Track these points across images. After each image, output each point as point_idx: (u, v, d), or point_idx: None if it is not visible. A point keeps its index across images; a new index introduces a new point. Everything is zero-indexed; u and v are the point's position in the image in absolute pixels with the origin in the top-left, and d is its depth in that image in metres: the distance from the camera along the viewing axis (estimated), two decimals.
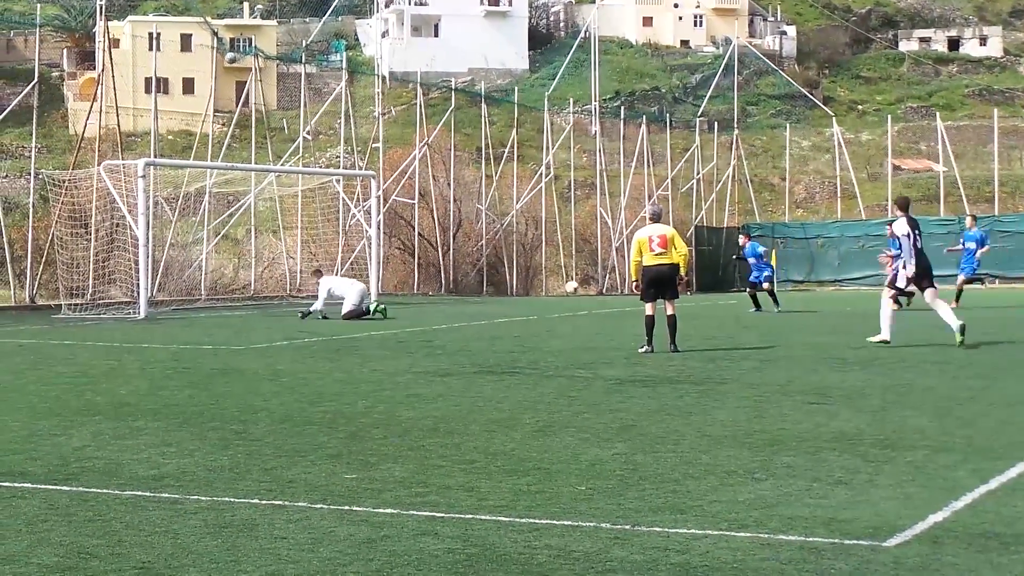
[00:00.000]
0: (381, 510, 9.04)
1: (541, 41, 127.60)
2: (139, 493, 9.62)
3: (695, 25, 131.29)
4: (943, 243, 56.21)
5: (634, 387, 16.66)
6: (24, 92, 41.60)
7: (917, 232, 23.19)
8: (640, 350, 21.63)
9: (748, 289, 36.43)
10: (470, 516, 8.86)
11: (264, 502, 9.29)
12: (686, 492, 9.71)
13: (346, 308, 32.19)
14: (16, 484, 10.00)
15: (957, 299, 34.72)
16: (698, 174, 68.74)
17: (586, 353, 21.98)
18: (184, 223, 46.61)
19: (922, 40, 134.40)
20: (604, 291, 60.26)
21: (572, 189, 64.55)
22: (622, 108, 77.08)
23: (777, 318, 32.62)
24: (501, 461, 10.99)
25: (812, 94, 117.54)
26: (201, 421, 13.40)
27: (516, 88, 77.64)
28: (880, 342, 22.92)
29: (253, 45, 77.92)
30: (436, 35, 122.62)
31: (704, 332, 27.17)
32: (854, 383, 17.06)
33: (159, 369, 19.07)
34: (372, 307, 32.70)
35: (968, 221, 38.08)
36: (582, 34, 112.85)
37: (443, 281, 53.22)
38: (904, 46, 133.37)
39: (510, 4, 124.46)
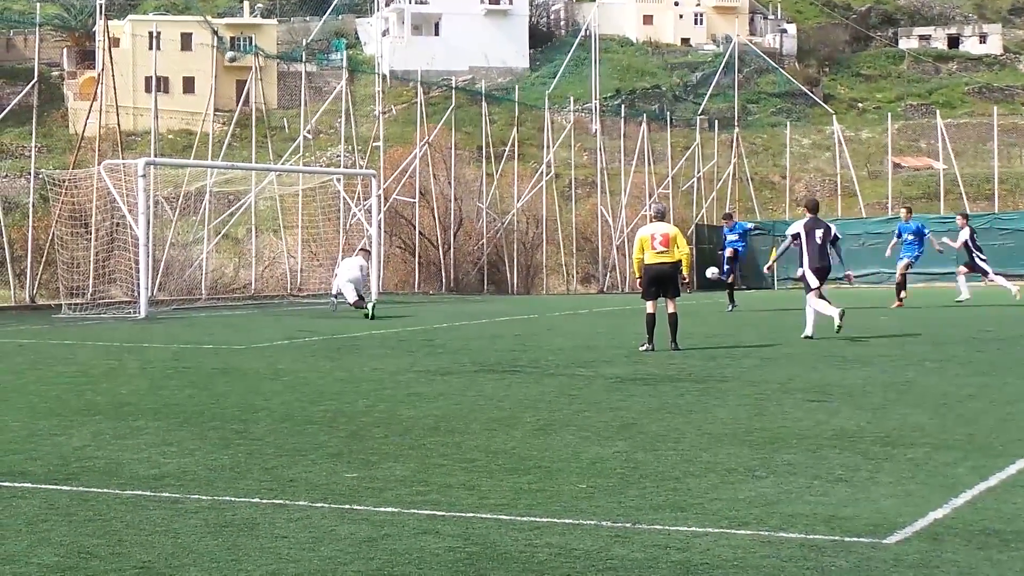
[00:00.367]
0: (382, 509, 9.05)
1: (541, 39, 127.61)
2: (139, 493, 9.62)
3: (695, 23, 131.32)
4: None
5: (635, 385, 16.67)
6: (24, 91, 41.61)
7: (822, 232, 24.14)
8: (641, 348, 21.63)
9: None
10: (471, 515, 8.86)
11: (265, 501, 9.30)
12: (687, 490, 9.72)
13: (352, 299, 32.57)
14: (16, 484, 10.00)
15: (899, 293, 34.30)
16: (699, 172, 68.76)
17: (587, 351, 21.98)
18: (184, 222, 46.62)
19: (922, 38, 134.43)
20: (605, 289, 60.26)
21: (573, 187, 64.55)
22: (622, 106, 77.08)
23: (777, 316, 32.59)
24: (502, 459, 11.00)
25: (812, 92, 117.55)
26: (202, 420, 13.41)
27: (517, 86, 77.66)
28: (805, 337, 24.06)
29: (253, 44, 77.95)
30: (436, 33, 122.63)
31: (705, 330, 27.16)
32: (854, 381, 17.06)
33: (159, 369, 19.08)
34: (370, 308, 32.73)
35: (903, 213, 37.55)
36: (582, 32, 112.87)
37: (444, 280, 53.23)
38: (904, 44, 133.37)
39: (510, 2, 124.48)
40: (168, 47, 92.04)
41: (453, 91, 58.50)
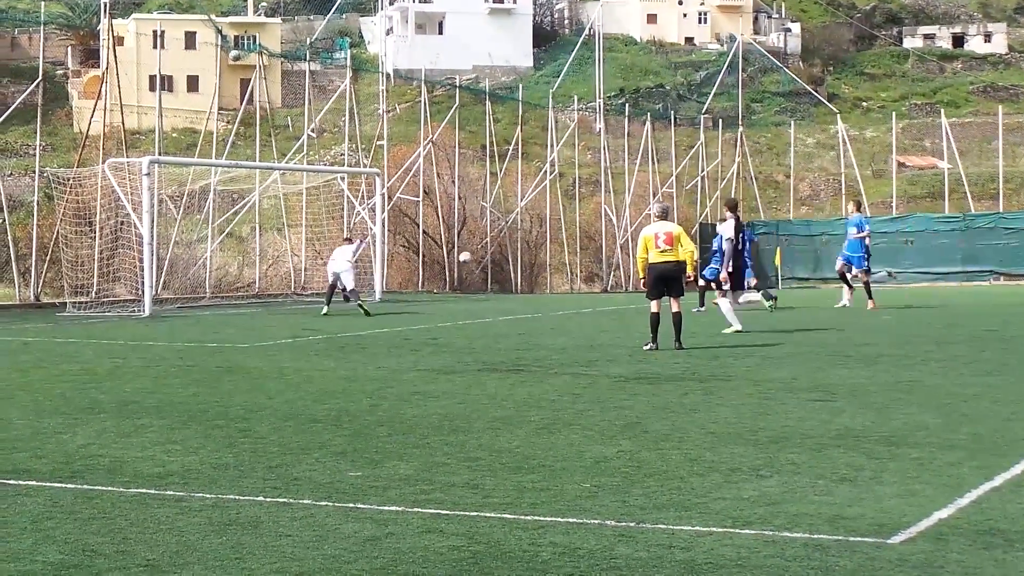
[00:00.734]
0: (386, 507, 9.05)
1: (545, 38, 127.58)
2: (144, 491, 9.63)
3: (699, 22, 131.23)
4: (948, 240, 56.40)
5: (638, 384, 16.66)
6: (28, 90, 41.60)
7: (742, 235, 25.23)
8: (645, 347, 21.63)
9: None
10: (475, 513, 8.86)
11: (269, 500, 9.30)
12: (690, 489, 9.71)
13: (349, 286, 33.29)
14: (21, 482, 10.01)
15: (870, 296, 33.79)
16: (703, 171, 68.75)
17: (591, 351, 21.98)
18: (188, 221, 46.64)
19: (926, 37, 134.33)
20: (608, 288, 60.24)
21: (576, 186, 64.54)
22: (626, 105, 77.09)
23: (780, 315, 32.56)
24: (506, 459, 11.00)
25: (816, 91, 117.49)
26: (206, 419, 13.41)
27: (520, 85, 77.64)
28: (733, 331, 25.00)
29: (257, 43, 77.96)
30: (440, 32, 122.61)
31: (709, 329, 27.16)
32: (858, 380, 17.06)
33: (164, 367, 19.09)
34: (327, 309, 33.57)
35: (851, 207, 36.89)
36: (586, 31, 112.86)
37: (447, 279, 53.23)
38: (908, 43, 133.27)
39: (514, 1, 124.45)
40: (172, 46, 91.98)
41: (457, 90, 58.52)
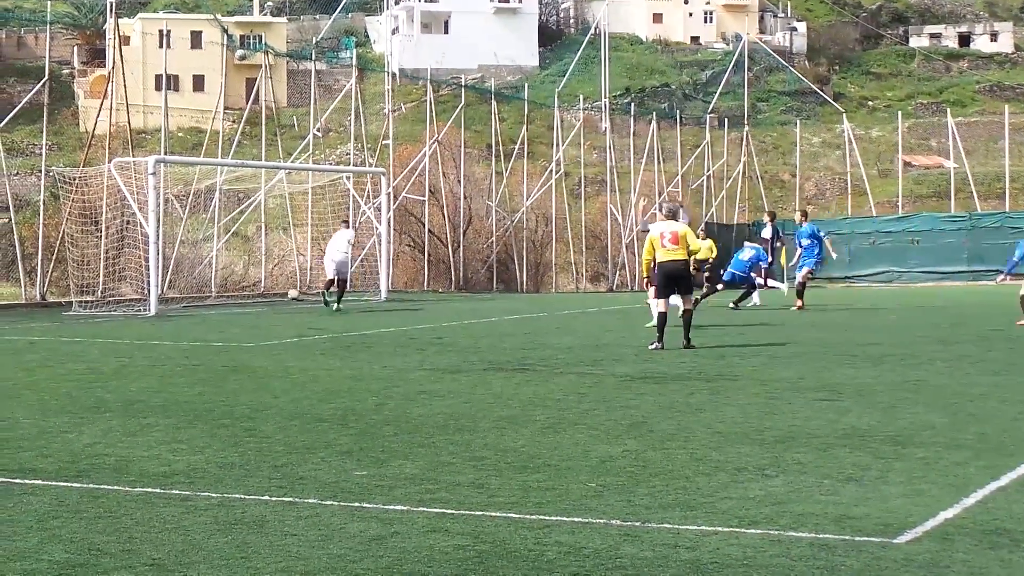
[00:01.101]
0: (391, 507, 9.05)
1: (551, 38, 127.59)
2: (149, 490, 9.63)
3: (705, 21, 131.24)
4: (954, 239, 56.33)
5: (644, 384, 16.66)
6: (35, 89, 41.65)
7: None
8: (651, 347, 21.62)
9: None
10: (480, 513, 8.86)
11: (274, 499, 9.30)
12: (696, 489, 9.71)
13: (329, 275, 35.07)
14: (27, 481, 10.02)
15: (800, 297, 33.77)
16: (708, 171, 68.72)
17: (596, 350, 21.98)
18: (194, 220, 46.67)
19: (933, 36, 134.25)
20: (614, 288, 60.22)
21: (582, 186, 64.53)
22: (632, 105, 77.07)
23: (787, 314, 32.55)
24: (511, 458, 10.99)
25: (822, 90, 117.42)
26: (211, 418, 13.41)
27: (526, 85, 77.63)
28: (651, 326, 24.90)
29: (263, 42, 78.06)
30: (446, 32, 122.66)
31: (715, 328, 27.15)
32: (865, 379, 17.05)
33: (169, 366, 19.10)
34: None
35: (798, 217, 36.68)
36: (592, 30, 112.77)
37: (453, 278, 53.24)
38: (915, 42, 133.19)
39: (520, 1, 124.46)
40: (178, 45, 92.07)
41: (463, 89, 58.51)
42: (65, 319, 31.32)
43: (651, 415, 13.66)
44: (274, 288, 46.57)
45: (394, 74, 74.06)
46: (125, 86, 40.89)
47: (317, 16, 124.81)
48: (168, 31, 60.89)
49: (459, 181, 55.03)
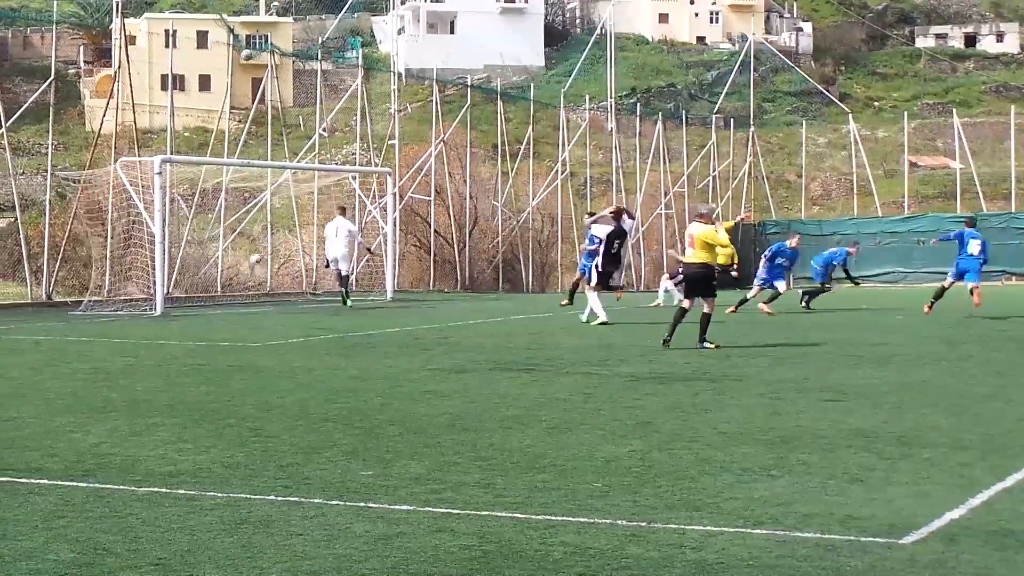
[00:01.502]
0: (397, 507, 9.06)
1: (557, 38, 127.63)
2: (155, 489, 9.65)
3: (711, 22, 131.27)
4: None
5: (650, 384, 16.66)
6: (40, 89, 41.58)
7: (619, 241, 27.13)
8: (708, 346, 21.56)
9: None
10: (486, 513, 8.87)
11: (280, 499, 9.31)
12: (701, 489, 9.72)
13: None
14: (33, 480, 10.03)
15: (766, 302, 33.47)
16: (714, 171, 68.70)
17: (602, 350, 21.98)
18: (200, 220, 46.67)
19: (939, 36, 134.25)
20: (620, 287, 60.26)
21: (588, 186, 64.55)
22: (638, 105, 77.06)
23: (791, 316, 32.53)
24: (517, 458, 11.01)
25: (828, 91, 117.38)
26: (217, 418, 13.42)
27: (532, 85, 77.64)
28: (600, 323, 27.39)
29: (269, 42, 78.01)
30: (452, 32, 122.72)
31: (721, 328, 27.15)
32: (870, 380, 17.05)
33: (175, 366, 19.11)
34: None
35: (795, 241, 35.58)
36: (598, 31, 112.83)
37: (459, 278, 53.23)
38: (921, 42, 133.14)
39: (526, 1, 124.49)
40: (184, 45, 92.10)
41: (468, 89, 58.51)
42: (71, 319, 31.33)
43: (656, 415, 13.66)
44: (280, 288, 46.56)
45: (400, 74, 74.12)
46: (131, 86, 40.89)
47: (323, 16, 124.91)
48: (174, 31, 60.90)
49: (465, 181, 55.02)
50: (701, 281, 21.84)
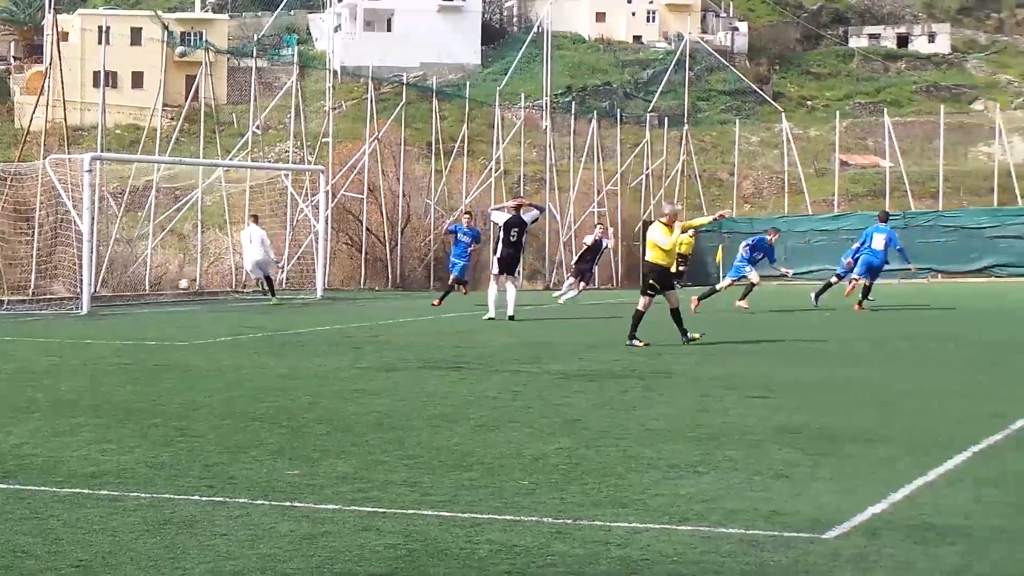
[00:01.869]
0: (323, 506, 9.02)
1: (494, 36, 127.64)
2: (77, 490, 9.55)
3: (648, 21, 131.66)
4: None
5: (579, 382, 16.67)
6: None
7: (516, 229, 27.99)
8: (634, 343, 21.59)
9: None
10: (412, 511, 8.85)
11: (204, 499, 9.25)
12: (628, 486, 9.74)
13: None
14: None
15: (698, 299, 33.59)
16: (647, 169, 68.87)
17: (532, 348, 21.97)
18: (130, 218, 46.32)
19: (872, 37, 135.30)
20: (552, 286, 60.23)
21: (522, 184, 64.54)
22: (573, 103, 77.17)
23: (721, 313, 32.65)
24: (444, 456, 10.98)
25: (762, 90, 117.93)
26: (142, 417, 13.30)
27: (468, 83, 77.56)
28: (487, 319, 28.05)
29: (204, 39, 77.64)
30: (389, 29, 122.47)
31: (650, 326, 27.22)
32: (797, 377, 17.15)
33: (101, 365, 18.93)
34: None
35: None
36: (535, 29, 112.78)
37: (390, 276, 53.10)
38: (854, 43, 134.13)
39: None
40: (117, 42, 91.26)
41: (404, 87, 58.44)
42: None
43: (585, 413, 13.67)
44: (209, 286, 46.27)
45: (335, 72, 73.82)
46: (63, 82, 40.54)
47: (259, 13, 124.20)
48: (107, 27, 60.33)
49: (398, 179, 54.89)
50: (658, 280, 21.90)
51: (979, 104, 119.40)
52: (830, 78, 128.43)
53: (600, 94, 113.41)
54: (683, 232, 22.29)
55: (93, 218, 34.35)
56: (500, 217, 28.90)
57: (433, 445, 11.57)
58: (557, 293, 38.99)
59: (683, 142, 72.77)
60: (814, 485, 9.80)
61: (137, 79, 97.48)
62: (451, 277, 35.43)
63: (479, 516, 8.70)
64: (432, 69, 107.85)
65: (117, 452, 11.17)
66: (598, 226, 40.32)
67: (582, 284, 37.24)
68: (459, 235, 34.93)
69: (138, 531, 8.22)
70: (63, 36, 48.50)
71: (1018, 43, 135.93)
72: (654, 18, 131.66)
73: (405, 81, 61.08)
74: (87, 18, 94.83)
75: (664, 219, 22.08)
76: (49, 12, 43.24)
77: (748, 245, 34.13)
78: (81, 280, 33.38)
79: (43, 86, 41.50)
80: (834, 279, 34.02)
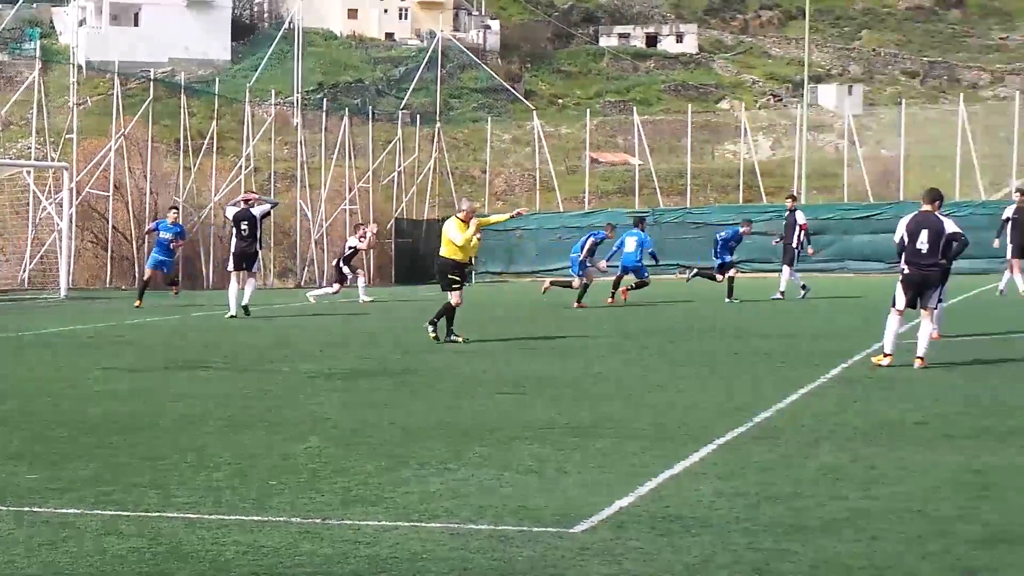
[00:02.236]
0: (64, 510, 8.80)
1: (244, 32, 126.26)
2: None
3: (400, 18, 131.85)
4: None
5: (330, 381, 16.57)
6: None
7: (246, 223, 28.38)
8: (452, 339, 21.64)
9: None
10: (156, 514, 8.69)
11: None
12: (378, 485, 9.70)
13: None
14: None
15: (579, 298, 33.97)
16: (400, 167, 68.86)
17: (282, 347, 21.78)
18: None
19: (622, 36, 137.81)
20: (303, 284, 59.84)
21: (272, 181, 63.89)
22: (325, 100, 76.74)
23: (474, 309, 32.84)
24: (191, 458, 10.80)
25: (514, 88, 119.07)
26: None
27: (217, 79, 76.56)
28: (229, 316, 28.35)
29: None
30: (136, 24, 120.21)
31: (402, 324, 27.25)
32: (548, 372, 17.29)
33: None
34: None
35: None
36: (286, 25, 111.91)
37: (136, 275, 52.08)
38: (604, 42, 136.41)
39: None
40: None
41: (151, 83, 57.34)
42: None
43: (335, 412, 13.58)
44: None
45: (80, 66, 72.06)
46: None
47: (0, 6, 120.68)
48: None
49: (145, 176, 53.87)
50: (457, 274, 21.94)
51: (725, 103, 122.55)
52: (581, 76, 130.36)
53: (352, 91, 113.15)
54: (480, 228, 22.30)
55: None
56: (231, 212, 29.26)
57: (179, 446, 11.37)
58: (313, 292, 38.74)
59: (435, 139, 73.00)
60: (563, 480, 9.89)
61: None
62: (147, 273, 34.84)
63: (226, 518, 8.58)
64: (180, 65, 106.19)
65: None
66: (361, 226, 40.11)
67: (337, 285, 37.03)
68: (160, 232, 34.28)
69: None
70: None
71: (762, 44, 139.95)
72: (407, 15, 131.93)
73: (153, 77, 59.75)
74: None
75: (461, 215, 22.17)
76: None
77: (722, 238, 34.33)
78: None
79: None
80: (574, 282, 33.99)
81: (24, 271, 38.60)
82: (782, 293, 34.85)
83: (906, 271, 17.24)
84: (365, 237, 37.51)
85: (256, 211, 28.68)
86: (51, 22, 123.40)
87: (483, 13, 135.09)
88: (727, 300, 33.23)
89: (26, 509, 8.83)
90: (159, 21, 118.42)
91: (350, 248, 37.41)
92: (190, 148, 56.34)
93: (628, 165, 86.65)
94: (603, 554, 7.68)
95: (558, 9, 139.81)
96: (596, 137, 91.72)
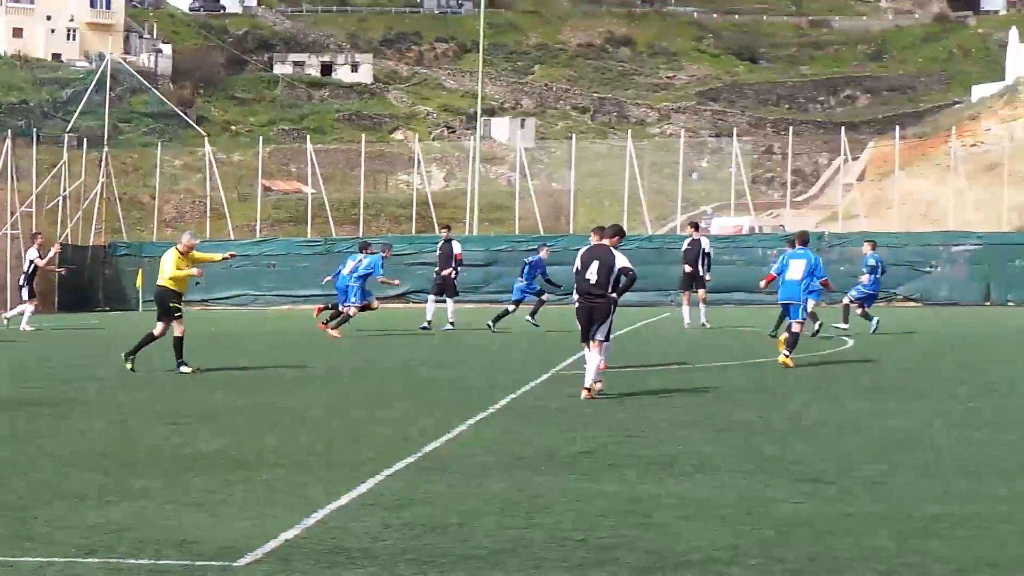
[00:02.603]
0: None
1: None
2: None
3: (68, 39, 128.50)
4: (309, 263, 57.32)
5: None
6: None
7: None
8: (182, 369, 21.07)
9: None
10: None
11: None
12: (33, 520, 9.38)
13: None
14: None
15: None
16: (65, 191, 66.97)
17: None
18: None
19: (296, 64, 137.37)
20: None
21: None
22: None
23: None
24: None
25: (186, 113, 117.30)
26: None
27: None
28: None
29: None
30: None
31: (64, 353, 26.47)
32: (214, 403, 17.00)
33: None
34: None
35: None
36: None
37: None
38: (279, 69, 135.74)
39: None
40: None
41: None
42: None
43: None
44: None
45: None
46: None
47: None
48: None
49: None
50: (167, 303, 21.53)
51: (399, 134, 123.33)
52: (255, 103, 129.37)
53: (16, 112, 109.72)
54: (194, 264, 22.12)
55: None
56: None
57: None
58: (7, 314, 37.64)
59: (103, 163, 71.27)
60: (228, 513, 9.72)
61: None
62: None
63: None
64: None
65: None
66: (38, 235, 39.17)
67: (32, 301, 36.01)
68: None
69: None
70: None
71: (437, 76, 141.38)
72: (75, 36, 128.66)
73: None
74: None
75: (181, 247, 22.06)
76: None
77: (529, 264, 33.50)
78: None
79: None
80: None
81: None
82: (450, 323, 34.61)
83: (577, 302, 17.55)
84: (45, 249, 36.81)
85: None
86: None
87: (155, 36, 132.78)
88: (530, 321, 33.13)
89: None
90: None
91: (30, 263, 36.51)
92: None
93: (301, 194, 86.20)
94: None
95: (232, 35, 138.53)
96: (269, 165, 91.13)
